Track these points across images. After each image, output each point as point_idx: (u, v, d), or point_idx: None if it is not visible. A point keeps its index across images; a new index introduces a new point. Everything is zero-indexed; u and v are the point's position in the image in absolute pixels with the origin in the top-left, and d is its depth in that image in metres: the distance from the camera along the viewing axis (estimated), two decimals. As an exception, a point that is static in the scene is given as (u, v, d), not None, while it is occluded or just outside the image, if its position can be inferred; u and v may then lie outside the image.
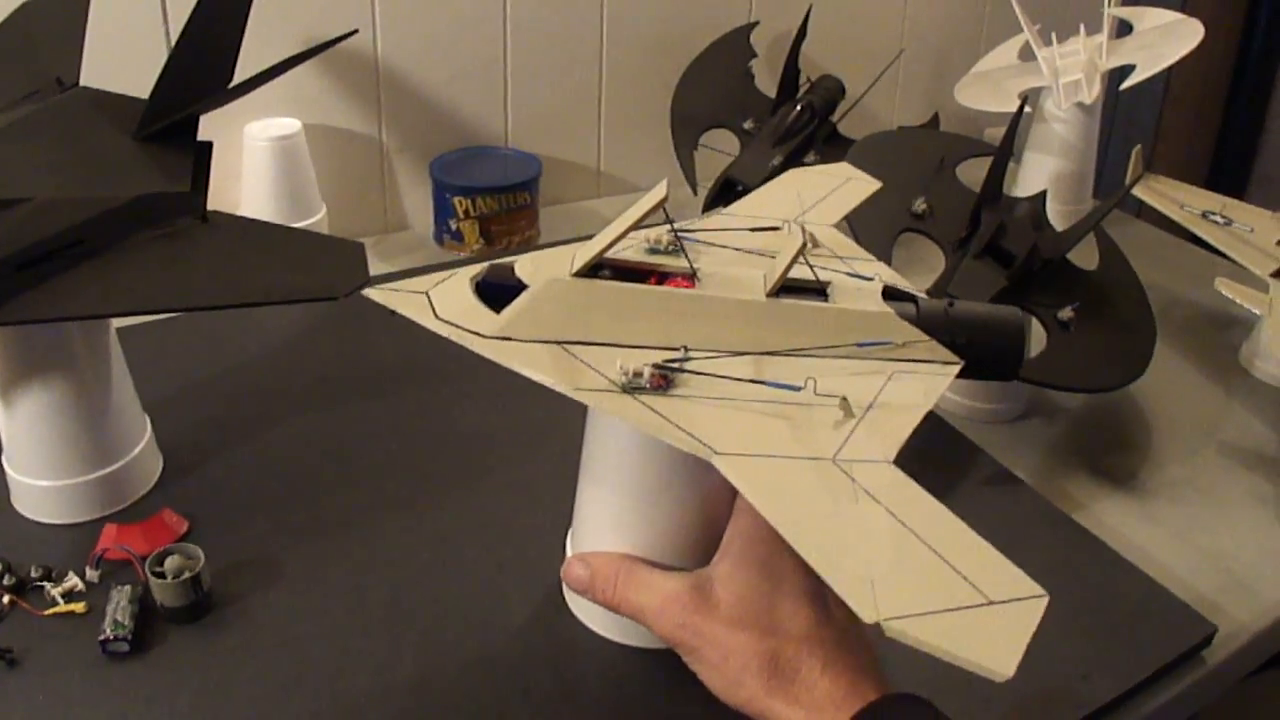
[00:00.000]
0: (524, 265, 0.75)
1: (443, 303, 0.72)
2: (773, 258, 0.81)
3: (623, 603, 0.79)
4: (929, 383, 0.76)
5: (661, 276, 0.77)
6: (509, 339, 0.71)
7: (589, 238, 0.77)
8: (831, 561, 0.59)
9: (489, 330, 0.71)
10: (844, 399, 0.71)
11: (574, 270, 0.73)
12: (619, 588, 0.79)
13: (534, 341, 0.71)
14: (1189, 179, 1.54)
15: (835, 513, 0.63)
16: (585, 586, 0.81)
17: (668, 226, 0.79)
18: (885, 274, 0.84)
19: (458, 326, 0.71)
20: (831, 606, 0.74)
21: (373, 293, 0.73)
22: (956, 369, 0.78)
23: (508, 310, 0.71)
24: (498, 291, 0.73)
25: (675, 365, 0.70)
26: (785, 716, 0.69)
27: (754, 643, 0.72)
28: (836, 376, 0.74)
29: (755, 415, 0.70)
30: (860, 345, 0.77)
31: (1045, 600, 0.60)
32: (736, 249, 0.83)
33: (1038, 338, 1.14)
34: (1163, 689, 0.91)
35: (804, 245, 0.76)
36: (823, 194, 0.97)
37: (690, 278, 0.77)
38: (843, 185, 1.00)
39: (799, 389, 0.71)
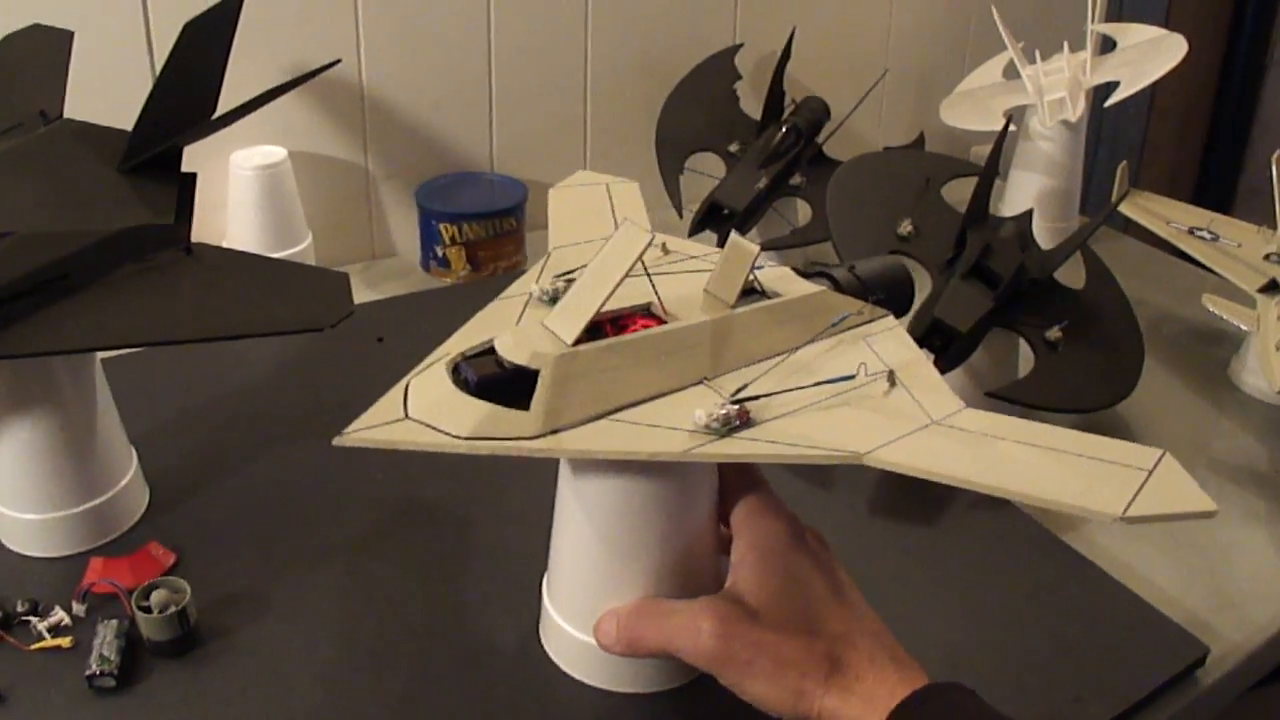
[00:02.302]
0: (506, 345, 0.70)
1: (449, 419, 0.67)
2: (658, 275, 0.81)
3: (649, 635, 0.76)
4: (895, 336, 0.82)
5: (613, 321, 0.76)
6: (556, 431, 0.68)
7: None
8: (1048, 492, 0.64)
9: (532, 430, 0.67)
10: (891, 372, 0.75)
11: (572, 340, 0.70)
12: (640, 623, 0.77)
13: (582, 424, 0.68)
14: (1175, 193, 1.54)
15: (995, 458, 0.68)
16: (608, 641, 0.78)
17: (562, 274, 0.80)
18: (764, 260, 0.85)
19: (494, 439, 0.66)
20: (854, 601, 0.75)
21: (348, 441, 0.66)
22: (891, 319, 0.84)
23: (536, 403, 0.67)
24: (488, 385, 0.69)
25: (746, 396, 0.70)
26: (840, 711, 0.69)
27: (808, 645, 0.71)
28: (835, 358, 0.78)
29: (839, 411, 0.72)
30: (833, 325, 0.80)
31: (1168, 453, 0.68)
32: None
33: (1025, 358, 1.14)
34: (1156, 711, 0.91)
35: (758, 252, 0.77)
36: (609, 203, 0.97)
37: (648, 314, 0.77)
38: (614, 189, 0.99)
39: (853, 376, 0.74)
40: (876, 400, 0.74)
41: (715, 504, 0.82)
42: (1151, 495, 0.64)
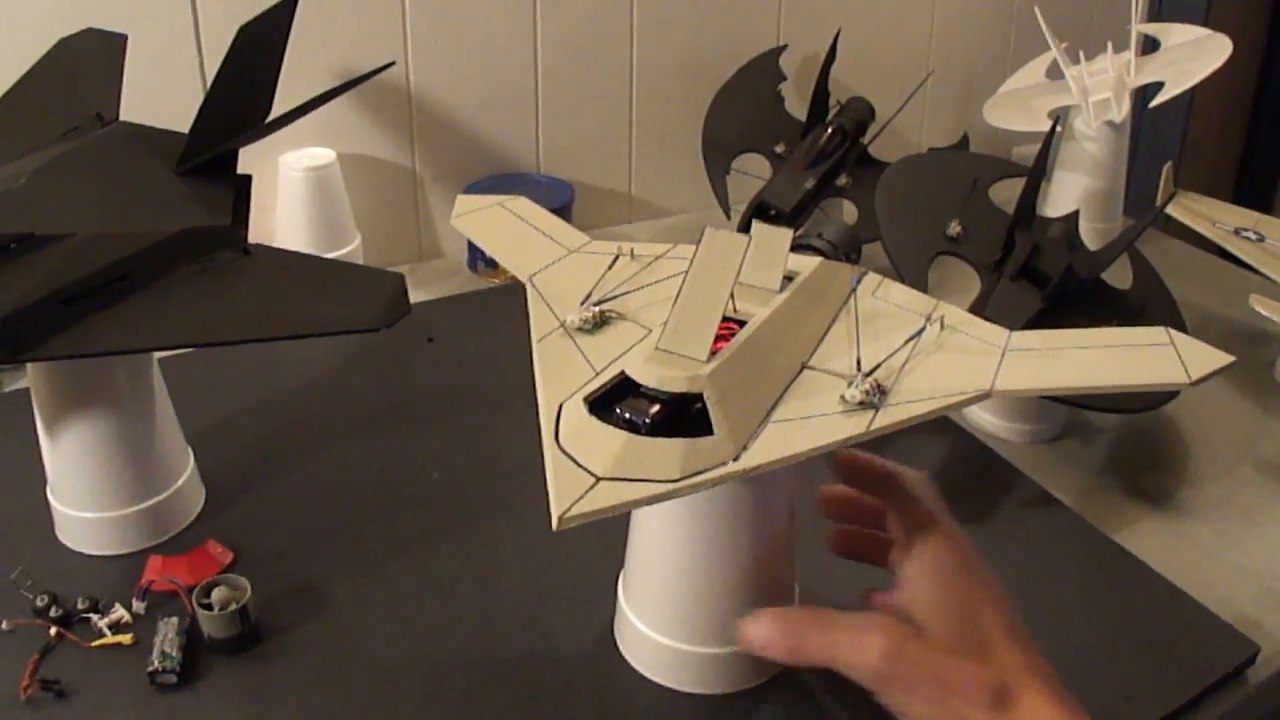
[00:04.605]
0: (651, 377, 0.68)
1: (650, 466, 0.64)
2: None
3: (813, 646, 0.72)
4: (892, 287, 0.86)
5: None
6: (746, 447, 0.66)
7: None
8: (1128, 379, 0.72)
9: (728, 452, 0.65)
10: (942, 318, 0.80)
11: (705, 357, 0.69)
12: (805, 632, 0.73)
13: (758, 434, 0.67)
14: (1215, 193, 1.54)
15: (1073, 365, 0.74)
16: (765, 643, 0.74)
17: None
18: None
19: (703, 473, 0.64)
20: (1027, 638, 0.73)
21: (572, 523, 0.60)
22: (872, 273, 0.87)
23: (718, 425, 0.65)
24: (660, 423, 0.67)
25: (868, 369, 0.72)
26: None
27: (979, 672, 0.69)
28: (877, 316, 0.81)
29: (933, 360, 0.76)
30: (853, 291, 0.85)
31: (1169, 329, 0.77)
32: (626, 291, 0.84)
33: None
34: (1207, 709, 0.91)
35: (792, 233, 0.82)
36: (520, 220, 0.97)
37: (733, 321, 0.76)
38: (509, 205, 0.99)
39: (923, 330, 0.78)
40: (948, 344, 0.77)
41: (793, 505, 0.82)
42: (1191, 361, 0.73)
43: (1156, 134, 2.33)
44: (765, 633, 0.74)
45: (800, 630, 0.73)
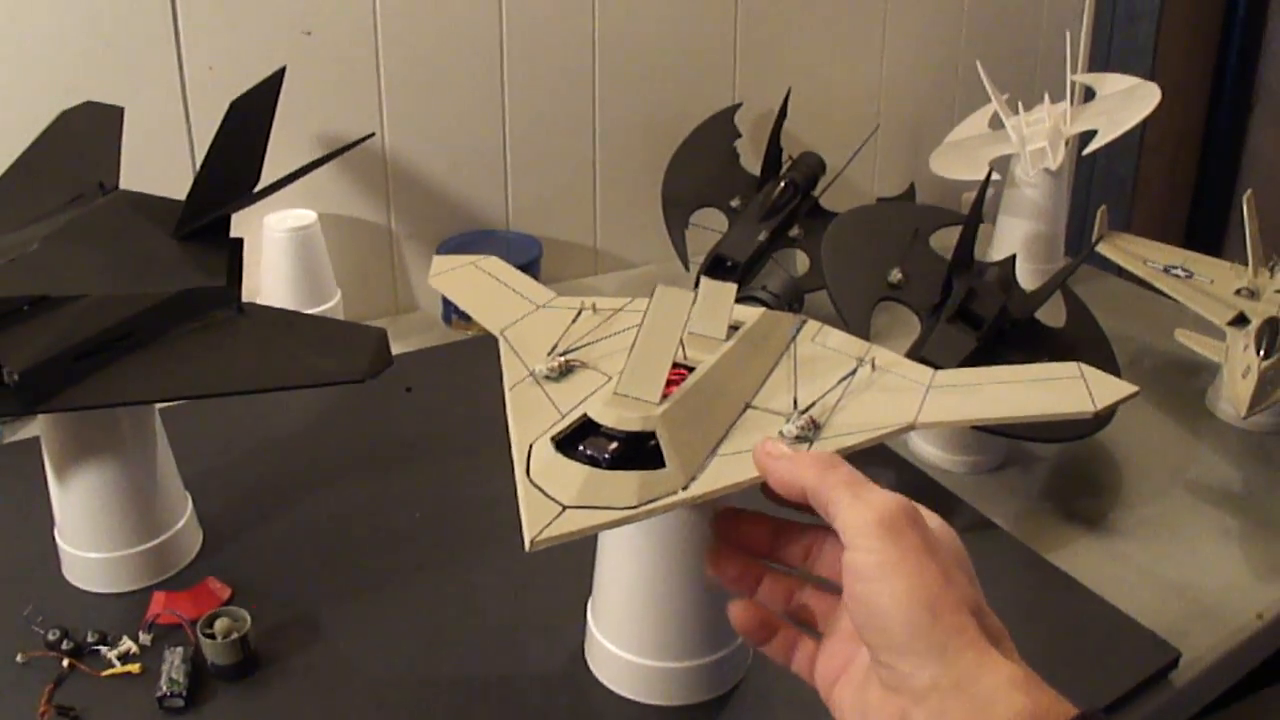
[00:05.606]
0: (611, 418, 0.74)
1: (609, 495, 0.69)
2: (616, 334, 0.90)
3: (837, 474, 0.63)
4: (831, 333, 0.93)
5: None
6: (695, 477, 0.72)
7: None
8: (1039, 409, 0.80)
9: (679, 483, 0.71)
10: (874, 359, 0.86)
11: (657, 399, 0.75)
12: (837, 469, 0.64)
13: (705, 466, 0.73)
14: (1169, 230, 1.59)
15: (989, 399, 0.81)
16: (783, 454, 0.67)
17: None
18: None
19: (656, 501, 0.70)
20: None
21: (541, 545, 0.66)
22: (812, 320, 0.94)
23: (670, 459, 0.71)
24: (618, 458, 0.73)
25: (803, 407, 0.78)
26: (996, 667, 0.59)
27: (967, 584, 0.63)
28: (816, 359, 0.88)
29: (865, 397, 0.82)
30: (793, 337, 0.91)
31: (1081, 364, 0.84)
32: (589, 341, 0.90)
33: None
34: (1133, 710, 0.97)
35: (735, 288, 0.89)
36: (491, 278, 1.03)
37: (684, 367, 0.82)
38: (481, 265, 1.05)
39: (855, 371, 0.84)
40: (878, 383, 0.84)
41: None
42: (1098, 392, 0.80)
43: (1110, 171, 2.40)
44: (782, 452, 0.68)
45: (830, 466, 0.65)
